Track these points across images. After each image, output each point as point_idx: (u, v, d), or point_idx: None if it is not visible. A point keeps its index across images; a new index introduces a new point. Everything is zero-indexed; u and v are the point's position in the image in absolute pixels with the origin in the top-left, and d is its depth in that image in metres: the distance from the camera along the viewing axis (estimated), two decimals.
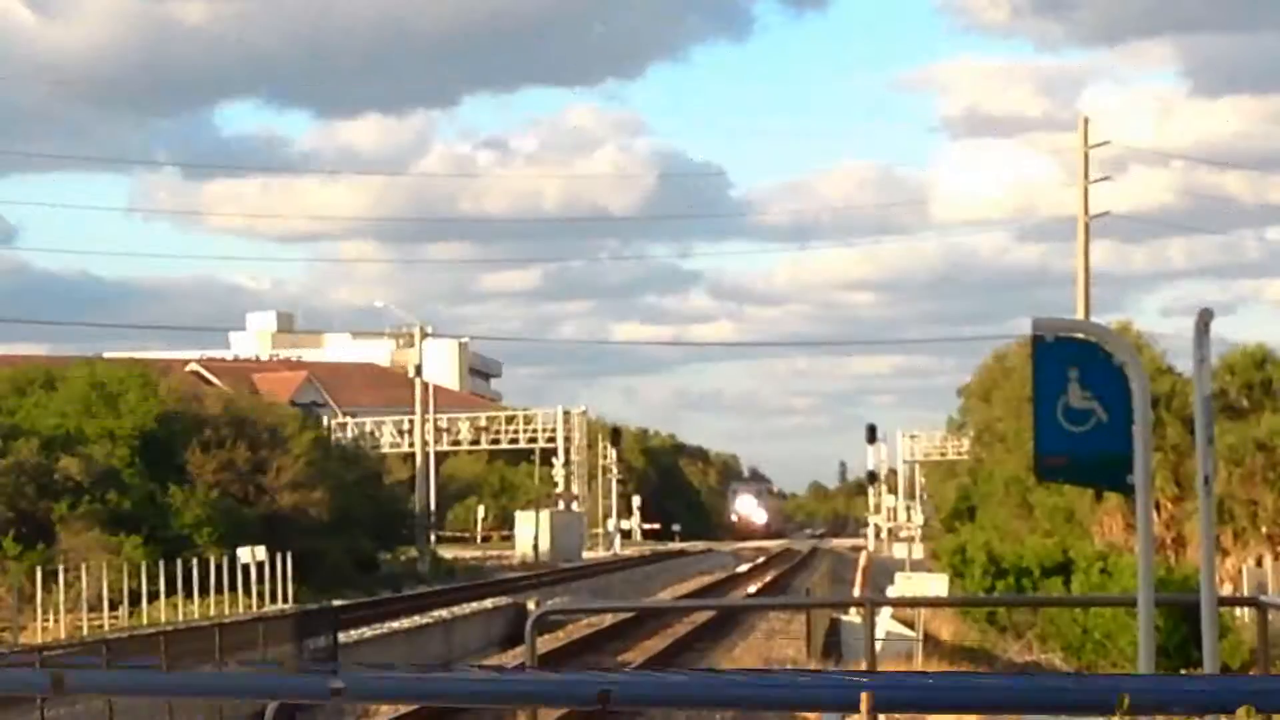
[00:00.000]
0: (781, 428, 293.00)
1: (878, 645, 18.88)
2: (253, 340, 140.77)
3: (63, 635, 37.12)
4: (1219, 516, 40.79)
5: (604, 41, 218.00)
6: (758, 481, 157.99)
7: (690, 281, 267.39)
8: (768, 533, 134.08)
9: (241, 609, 42.57)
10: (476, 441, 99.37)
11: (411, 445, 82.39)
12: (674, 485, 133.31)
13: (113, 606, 41.65)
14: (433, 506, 78.82)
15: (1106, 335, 8.37)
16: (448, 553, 77.66)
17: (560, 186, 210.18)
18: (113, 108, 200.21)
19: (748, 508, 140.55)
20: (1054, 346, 8.25)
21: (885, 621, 30.18)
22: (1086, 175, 57.84)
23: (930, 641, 32.10)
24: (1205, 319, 8.30)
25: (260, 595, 45.36)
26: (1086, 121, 58.75)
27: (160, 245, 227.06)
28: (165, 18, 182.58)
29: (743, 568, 61.67)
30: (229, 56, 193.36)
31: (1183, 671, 23.35)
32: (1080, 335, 8.34)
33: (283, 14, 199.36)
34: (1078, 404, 8.23)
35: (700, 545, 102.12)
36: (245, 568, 45.13)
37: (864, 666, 13.53)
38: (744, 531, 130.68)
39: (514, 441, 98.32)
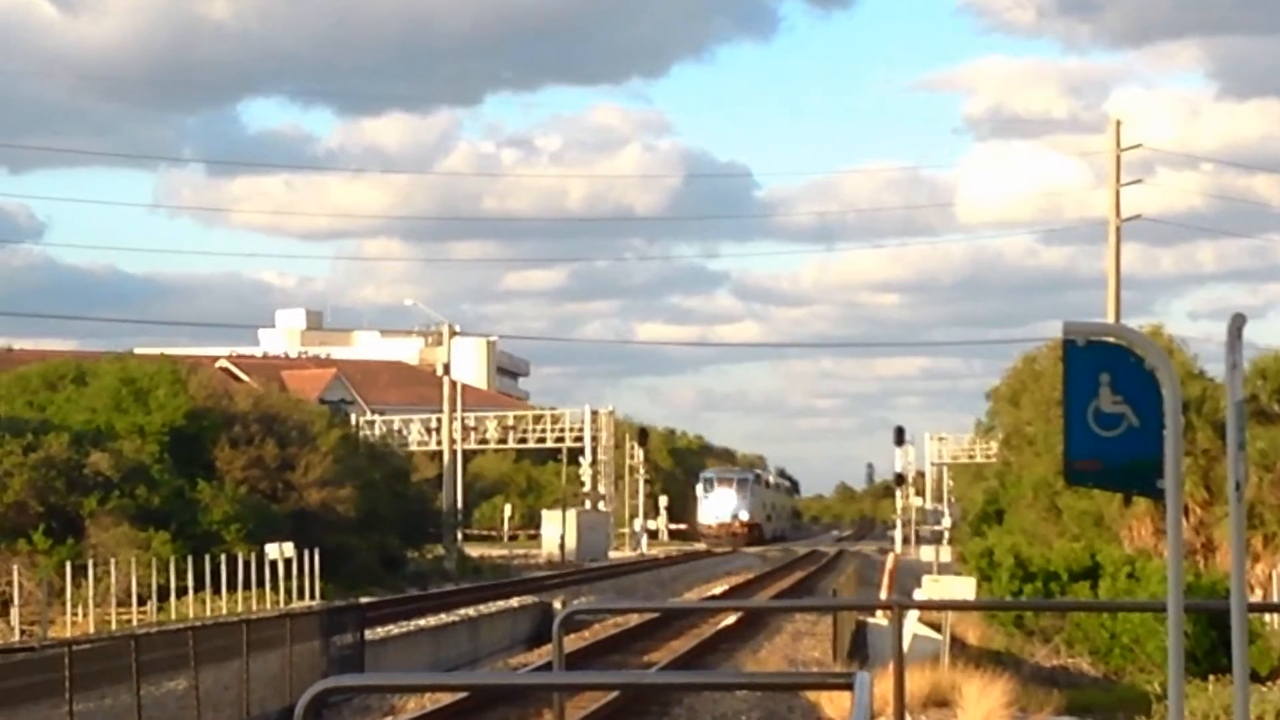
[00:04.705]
0: (808, 429, 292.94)
1: (904, 648, 18.83)
2: (282, 337, 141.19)
3: (91, 630, 37.26)
4: (1249, 522, 40.67)
5: (628, 40, 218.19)
6: (743, 469, 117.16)
7: (715, 282, 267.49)
8: (754, 537, 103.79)
9: (269, 605, 42.68)
10: (504, 440, 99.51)
11: (439, 443, 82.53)
12: None
13: (141, 602, 41.79)
14: (460, 505, 78.94)
15: (1138, 339, 8.34)
16: (474, 551, 77.83)
17: (585, 186, 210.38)
18: (138, 104, 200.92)
19: (724, 505, 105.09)
20: (1085, 350, 8.22)
21: (912, 624, 30.13)
22: (1118, 178, 57.64)
23: (957, 645, 32.04)
24: (1238, 324, 8.26)
25: (288, 592, 45.48)
26: (1119, 124, 58.58)
27: (185, 242, 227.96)
28: (190, 13, 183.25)
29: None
30: (254, 53, 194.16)
31: (1211, 678, 23.29)
32: (1111, 339, 8.32)
33: (307, 11, 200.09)
34: (1108, 408, 8.20)
35: (726, 545, 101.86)
36: (273, 564, 45.26)
37: (891, 669, 13.50)
38: (722, 536, 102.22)
39: (541, 440, 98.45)
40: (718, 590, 54.72)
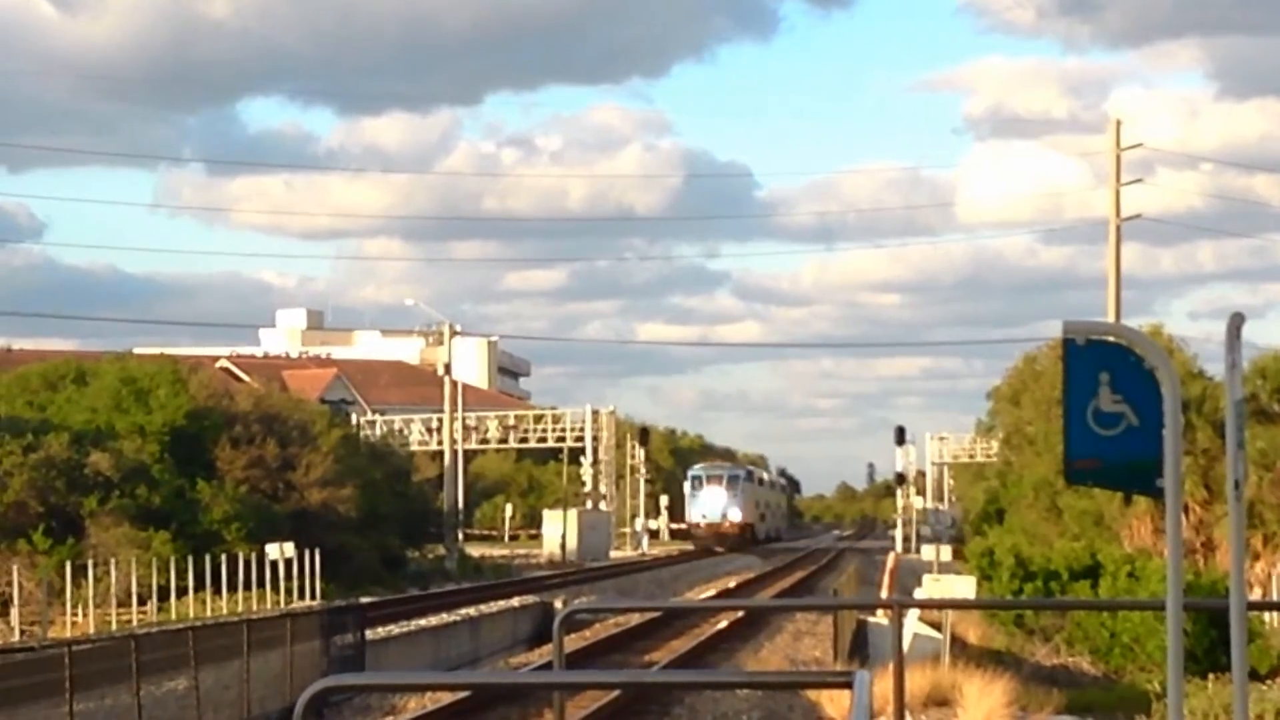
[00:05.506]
0: (808, 429, 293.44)
1: (904, 647, 18.83)
2: (282, 337, 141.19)
3: (91, 630, 37.25)
4: (1248, 521, 40.68)
5: (629, 40, 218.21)
6: (734, 466, 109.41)
7: (716, 282, 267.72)
8: (746, 538, 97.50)
9: (269, 605, 42.68)
10: (505, 440, 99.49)
11: (440, 443, 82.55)
12: None
13: (141, 602, 41.79)
14: (461, 505, 78.95)
15: (1138, 339, 8.34)
16: (475, 551, 77.81)
17: (586, 186, 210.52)
18: (137, 103, 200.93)
19: (714, 504, 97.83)
20: (1085, 350, 8.23)
21: (912, 623, 30.13)
22: (1118, 178, 57.64)
23: (957, 644, 32.04)
24: (1237, 323, 8.26)
25: (288, 592, 45.49)
26: (1119, 124, 58.57)
27: (185, 241, 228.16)
28: (190, 12, 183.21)
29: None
30: (253, 52, 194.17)
31: (1211, 677, 23.30)
32: (1111, 339, 8.32)
33: (307, 10, 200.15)
34: (1108, 408, 8.21)
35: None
36: (274, 564, 45.26)
37: (891, 668, 13.50)
38: (711, 536, 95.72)
39: (542, 440, 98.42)
40: (719, 590, 54.70)
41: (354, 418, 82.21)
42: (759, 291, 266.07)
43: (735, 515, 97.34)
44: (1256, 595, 41.07)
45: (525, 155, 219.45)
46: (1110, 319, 51.56)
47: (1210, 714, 20.62)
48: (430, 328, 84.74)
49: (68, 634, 34.98)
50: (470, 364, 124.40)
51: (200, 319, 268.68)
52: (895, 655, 13.56)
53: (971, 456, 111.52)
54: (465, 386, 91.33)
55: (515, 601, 45.12)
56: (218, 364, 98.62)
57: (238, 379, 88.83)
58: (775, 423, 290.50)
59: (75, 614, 39.82)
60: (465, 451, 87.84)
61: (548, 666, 24.74)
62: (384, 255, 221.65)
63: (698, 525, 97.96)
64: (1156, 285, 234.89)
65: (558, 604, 41.72)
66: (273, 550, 45.39)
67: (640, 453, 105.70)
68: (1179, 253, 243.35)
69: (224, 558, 44.61)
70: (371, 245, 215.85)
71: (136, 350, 70.79)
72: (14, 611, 38.83)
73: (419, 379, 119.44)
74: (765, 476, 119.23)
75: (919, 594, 34.06)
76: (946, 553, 54.20)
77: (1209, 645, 28.79)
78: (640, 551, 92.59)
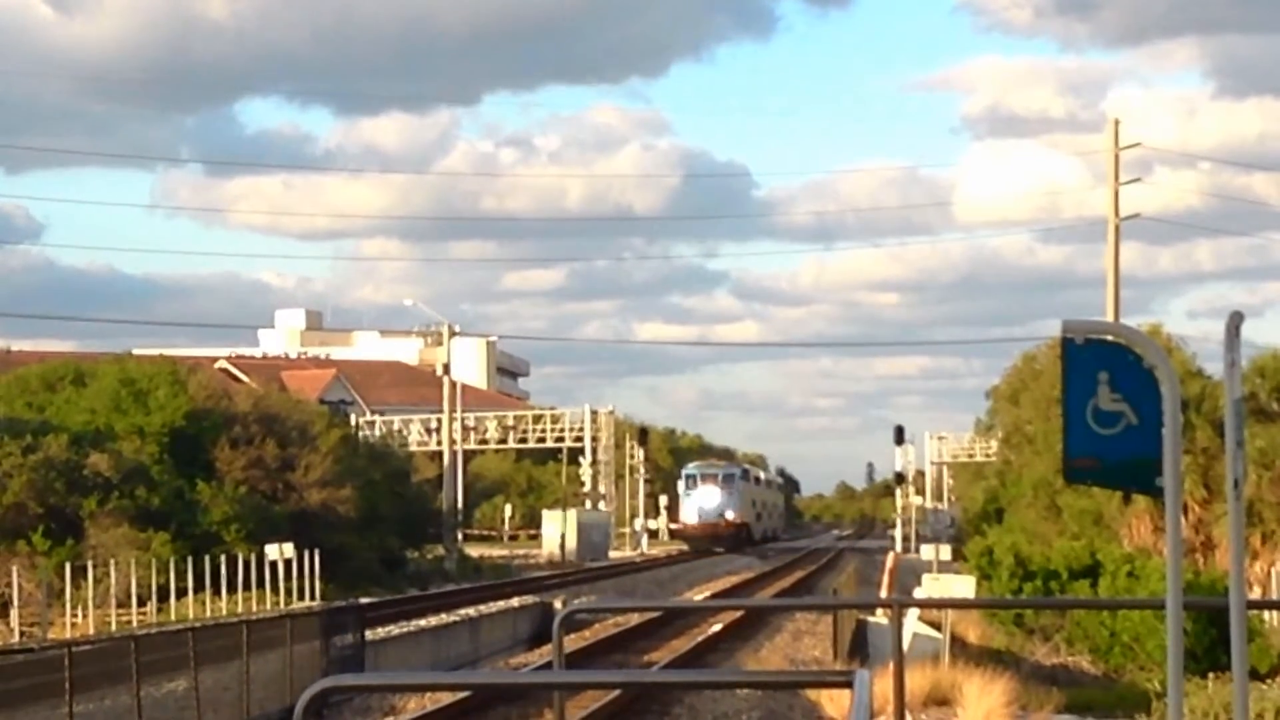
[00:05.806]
0: (808, 428, 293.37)
1: (904, 646, 18.82)
2: (281, 338, 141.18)
3: (91, 631, 37.26)
4: (1248, 519, 40.70)
5: (627, 40, 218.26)
6: (729, 464, 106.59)
7: (715, 282, 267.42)
8: (742, 538, 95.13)
9: (269, 606, 42.68)
10: (504, 440, 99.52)
11: (439, 444, 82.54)
12: None
13: (141, 603, 41.79)
14: (460, 505, 78.93)
15: (1137, 338, 8.35)
16: (475, 551, 77.83)
17: (584, 185, 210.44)
18: (135, 104, 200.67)
19: (708, 503, 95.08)
20: (1084, 349, 8.23)
21: (912, 623, 30.13)
22: (1117, 177, 57.64)
23: (957, 643, 32.03)
24: (1236, 322, 8.26)
25: (288, 592, 45.49)
26: (1117, 123, 58.58)
27: (183, 242, 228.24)
28: (187, 13, 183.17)
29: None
30: (251, 53, 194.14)
31: (1211, 676, 23.29)
32: (1110, 338, 8.33)
33: (305, 10, 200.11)
34: (1107, 406, 8.21)
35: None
36: (273, 565, 45.26)
37: (891, 668, 13.50)
38: (705, 536, 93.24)
39: (541, 440, 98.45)
40: (717, 590, 54.69)
41: (353, 418, 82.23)
42: (758, 291, 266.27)
43: (731, 514, 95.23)
44: (1256, 594, 41.09)
45: (523, 155, 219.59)
46: (1109, 318, 51.57)
47: (1210, 713, 20.61)
48: (429, 328, 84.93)
49: (67, 635, 34.98)
50: (469, 364, 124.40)
51: (199, 320, 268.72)
52: (895, 655, 13.55)
53: (971, 456, 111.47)
54: (464, 387, 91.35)
55: (515, 602, 45.12)
56: (216, 365, 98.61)
57: (237, 380, 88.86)
58: (774, 422, 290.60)
59: (75, 615, 39.82)
60: (464, 452, 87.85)
61: (548, 666, 24.73)
62: (382, 255, 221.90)
63: (692, 525, 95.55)
64: (1155, 284, 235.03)
65: (557, 604, 41.71)
66: (272, 551, 45.39)
67: (639, 453, 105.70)
68: (1177, 252, 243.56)
69: (223, 558, 44.60)
70: (370, 245, 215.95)
71: (135, 351, 70.78)
72: (14, 613, 38.84)
73: (418, 379, 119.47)
74: (762, 475, 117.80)
75: (918, 593, 34.05)
76: (946, 552, 54.19)
77: (1209, 644, 28.79)
78: (640, 551, 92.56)
